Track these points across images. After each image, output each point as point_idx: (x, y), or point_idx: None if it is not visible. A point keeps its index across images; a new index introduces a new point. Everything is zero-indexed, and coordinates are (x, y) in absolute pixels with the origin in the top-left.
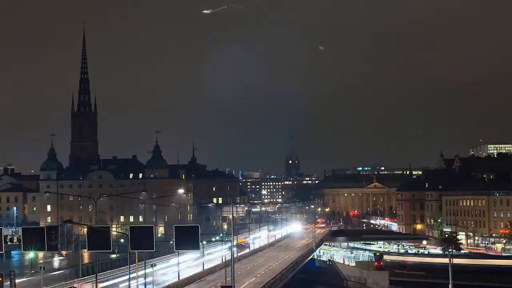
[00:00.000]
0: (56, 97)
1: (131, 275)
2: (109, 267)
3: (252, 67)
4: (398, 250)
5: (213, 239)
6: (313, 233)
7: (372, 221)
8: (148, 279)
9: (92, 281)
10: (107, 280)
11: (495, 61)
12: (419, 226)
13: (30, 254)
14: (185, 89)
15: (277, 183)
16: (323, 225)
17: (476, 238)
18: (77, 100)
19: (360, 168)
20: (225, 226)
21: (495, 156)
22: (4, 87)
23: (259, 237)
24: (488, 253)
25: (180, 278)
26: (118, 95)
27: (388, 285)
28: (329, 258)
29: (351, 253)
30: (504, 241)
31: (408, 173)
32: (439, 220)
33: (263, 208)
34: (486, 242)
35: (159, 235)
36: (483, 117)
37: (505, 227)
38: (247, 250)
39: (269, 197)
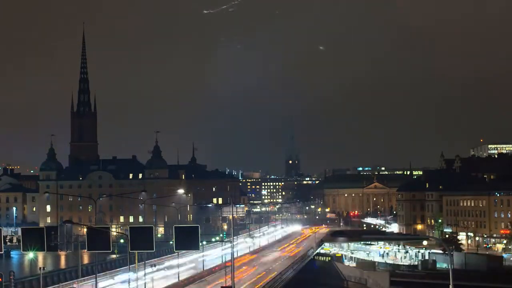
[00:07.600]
0: (56, 97)
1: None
2: (108, 267)
3: (252, 67)
4: (398, 251)
5: (213, 240)
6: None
7: (372, 222)
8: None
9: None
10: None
11: (496, 61)
12: (419, 227)
13: (30, 255)
14: (185, 89)
15: (277, 183)
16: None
17: (477, 238)
18: (77, 100)
19: (361, 168)
20: (225, 227)
21: (496, 156)
22: (4, 87)
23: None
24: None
25: (180, 279)
26: (118, 95)
27: (388, 286)
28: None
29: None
30: (505, 241)
31: (408, 173)
32: (440, 221)
33: (263, 209)
34: (486, 243)
35: (159, 235)
36: (484, 117)
37: (506, 228)
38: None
39: (269, 197)
